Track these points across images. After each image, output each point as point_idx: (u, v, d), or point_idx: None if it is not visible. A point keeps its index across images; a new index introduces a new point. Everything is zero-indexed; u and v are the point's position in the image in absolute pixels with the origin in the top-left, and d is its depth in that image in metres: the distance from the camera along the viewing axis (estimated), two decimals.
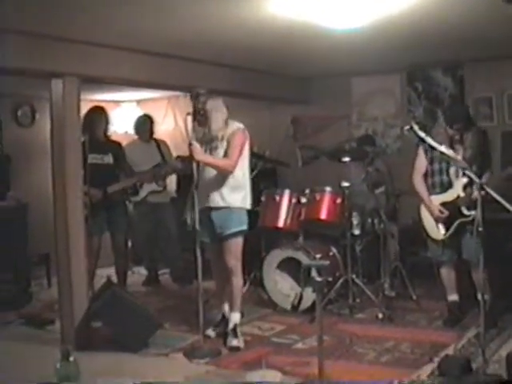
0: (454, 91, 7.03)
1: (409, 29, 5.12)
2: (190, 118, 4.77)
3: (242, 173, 5.01)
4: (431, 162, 5.25)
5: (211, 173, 4.95)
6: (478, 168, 4.97)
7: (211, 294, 5.68)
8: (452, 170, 5.11)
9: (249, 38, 5.35)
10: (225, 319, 5.17)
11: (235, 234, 4.96)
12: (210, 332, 5.11)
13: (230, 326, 4.98)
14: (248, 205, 5.06)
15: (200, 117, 4.85)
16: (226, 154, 4.91)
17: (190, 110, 4.82)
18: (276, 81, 7.41)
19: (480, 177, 4.57)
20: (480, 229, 4.01)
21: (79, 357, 3.92)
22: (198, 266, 4.72)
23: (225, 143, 4.92)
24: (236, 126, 4.99)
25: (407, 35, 5.37)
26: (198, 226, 4.70)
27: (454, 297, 5.37)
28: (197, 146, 4.79)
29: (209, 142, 4.97)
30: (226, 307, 5.21)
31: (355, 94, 7.74)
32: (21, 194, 6.97)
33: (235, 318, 5.02)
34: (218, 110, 4.94)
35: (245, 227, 5.03)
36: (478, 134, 5.20)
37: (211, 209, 4.97)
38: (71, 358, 3.84)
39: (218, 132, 4.94)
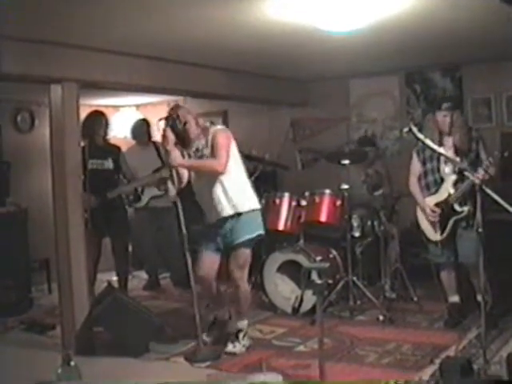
0: (453, 93, 7.03)
1: (407, 31, 5.12)
2: (162, 123, 4.67)
3: (240, 174, 4.87)
4: (424, 162, 5.28)
5: (209, 184, 4.76)
6: (469, 163, 4.99)
7: None
8: (443, 168, 5.13)
9: (247, 42, 5.35)
10: (216, 322, 5.15)
11: (246, 243, 4.79)
12: (205, 338, 5.00)
13: (233, 330, 4.94)
14: (257, 204, 4.91)
15: (178, 129, 4.71)
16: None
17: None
18: (275, 84, 7.42)
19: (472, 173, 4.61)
20: (480, 230, 4.02)
21: (80, 362, 3.92)
22: (189, 270, 4.73)
23: (209, 149, 4.74)
24: (215, 128, 4.81)
25: (405, 37, 5.37)
26: (184, 230, 4.69)
27: (454, 298, 5.37)
28: (174, 150, 4.65)
29: (196, 153, 4.81)
30: (224, 313, 5.18)
31: (354, 96, 7.74)
32: (21, 199, 6.96)
33: (241, 324, 4.96)
34: (188, 115, 4.79)
35: (260, 231, 4.86)
36: (465, 122, 5.30)
37: (221, 219, 4.78)
38: (72, 363, 3.84)
39: (196, 136, 4.80)
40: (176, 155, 4.67)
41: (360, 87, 7.68)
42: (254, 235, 4.83)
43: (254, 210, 4.85)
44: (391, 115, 7.52)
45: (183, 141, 4.80)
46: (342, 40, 5.30)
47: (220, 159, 4.67)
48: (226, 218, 4.77)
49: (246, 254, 4.85)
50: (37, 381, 4.10)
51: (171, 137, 4.67)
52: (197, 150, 4.82)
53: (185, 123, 4.72)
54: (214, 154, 4.71)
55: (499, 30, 5.12)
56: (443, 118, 5.13)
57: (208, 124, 4.90)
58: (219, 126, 4.94)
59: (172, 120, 4.71)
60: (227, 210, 4.75)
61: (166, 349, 4.96)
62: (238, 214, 4.76)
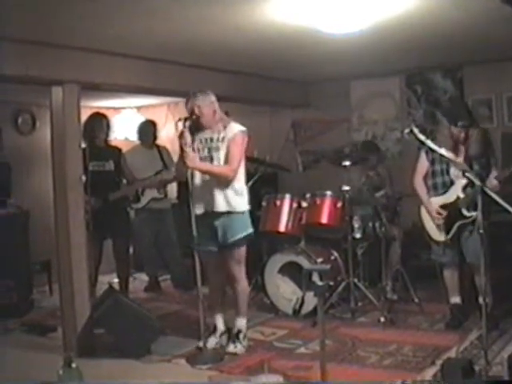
0: (454, 93, 7.04)
1: (407, 32, 5.12)
2: (180, 124, 4.63)
3: (243, 176, 4.91)
4: (432, 163, 5.25)
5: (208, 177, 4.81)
6: (480, 168, 4.98)
7: None
8: (453, 171, 5.11)
9: (248, 43, 5.36)
10: (217, 330, 5.10)
11: (241, 241, 4.84)
12: (209, 342, 4.94)
13: (234, 330, 4.95)
14: (247, 206, 4.94)
15: (195, 118, 4.71)
16: (226, 159, 4.76)
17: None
18: (276, 85, 7.42)
19: (483, 178, 4.58)
20: (481, 231, 4.01)
21: (82, 364, 3.92)
22: (196, 272, 4.69)
23: (225, 145, 4.75)
24: (237, 128, 4.81)
25: (406, 38, 5.37)
26: (195, 232, 4.62)
27: (456, 299, 5.36)
28: (190, 152, 4.64)
29: (207, 142, 4.81)
30: (220, 318, 5.13)
31: (355, 97, 7.75)
32: (22, 201, 6.97)
33: (241, 323, 4.97)
34: (207, 104, 4.76)
35: (250, 230, 4.92)
36: (482, 132, 5.22)
37: (214, 214, 4.80)
38: (73, 365, 3.84)
39: (212, 127, 4.79)
40: (193, 156, 4.67)
41: (361, 88, 7.69)
42: (248, 233, 4.89)
43: (245, 211, 4.90)
44: (392, 116, 7.53)
45: (195, 126, 4.77)
46: (343, 42, 5.30)
47: (232, 165, 4.73)
48: (219, 214, 4.79)
49: (241, 250, 4.90)
50: (38, 383, 4.10)
51: (189, 138, 4.67)
52: (210, 139, 4.81)
53: (196, 115, 4.71)
54: (228, 156, 4.74)
55: (500, 30, 5.12)
56: (458, 133, 5.11)
57: (225, 117, 4.89)
58: (239, 127, 4.84)
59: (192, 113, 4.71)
60: (221, 207, 4.78)
61: (168, 351, 4.95)
62: (231, 213, 4.80)
